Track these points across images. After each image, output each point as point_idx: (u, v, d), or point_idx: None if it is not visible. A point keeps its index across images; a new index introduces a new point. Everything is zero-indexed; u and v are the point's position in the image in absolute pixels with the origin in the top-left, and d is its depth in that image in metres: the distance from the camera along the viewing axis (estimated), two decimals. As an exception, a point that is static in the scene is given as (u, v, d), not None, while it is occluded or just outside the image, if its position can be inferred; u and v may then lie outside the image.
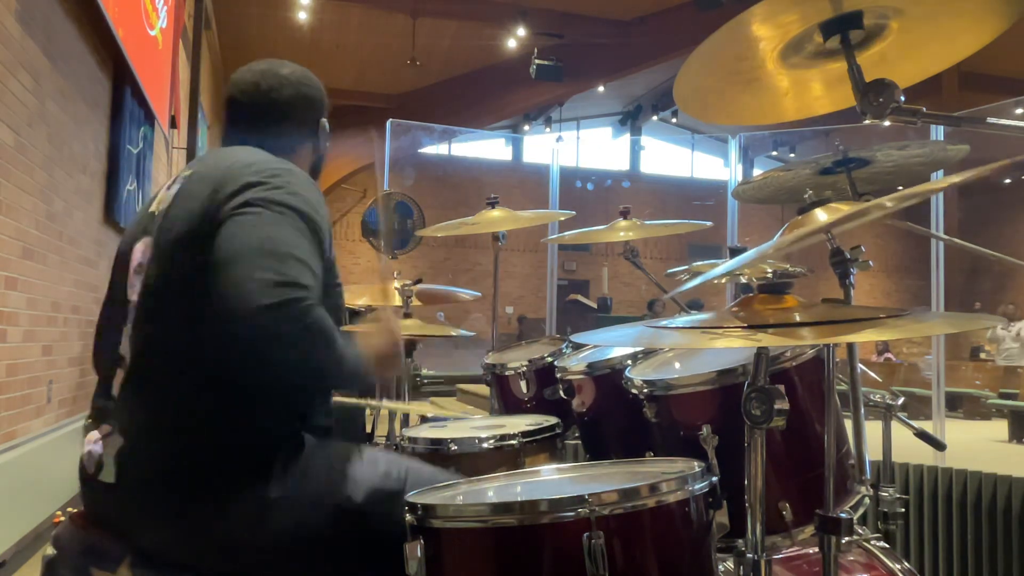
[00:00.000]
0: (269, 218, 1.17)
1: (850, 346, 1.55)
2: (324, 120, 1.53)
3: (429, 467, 1.43)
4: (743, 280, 2.23)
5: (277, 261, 1.11)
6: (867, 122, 1.17)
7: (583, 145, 18.92)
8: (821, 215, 1.41)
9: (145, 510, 1.19)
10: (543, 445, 1.77)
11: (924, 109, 1.14)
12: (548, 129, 17.01)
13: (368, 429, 2.88)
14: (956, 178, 1.18)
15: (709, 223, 2.59)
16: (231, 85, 1.48)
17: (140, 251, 1.30)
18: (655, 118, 16.84)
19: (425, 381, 2.49)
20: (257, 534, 1.19)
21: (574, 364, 1.91)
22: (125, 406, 1.24)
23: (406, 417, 2.57)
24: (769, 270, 2.17)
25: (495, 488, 1.36)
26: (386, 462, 1.37)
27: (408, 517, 1.15)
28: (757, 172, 2.54)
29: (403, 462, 1.40)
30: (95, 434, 1.26)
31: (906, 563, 1.54)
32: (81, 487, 1.30)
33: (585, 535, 1.05)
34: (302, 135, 1.49)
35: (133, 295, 1.29)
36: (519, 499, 1.19)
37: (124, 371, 1.26)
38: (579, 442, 2.02)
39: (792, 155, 15.64)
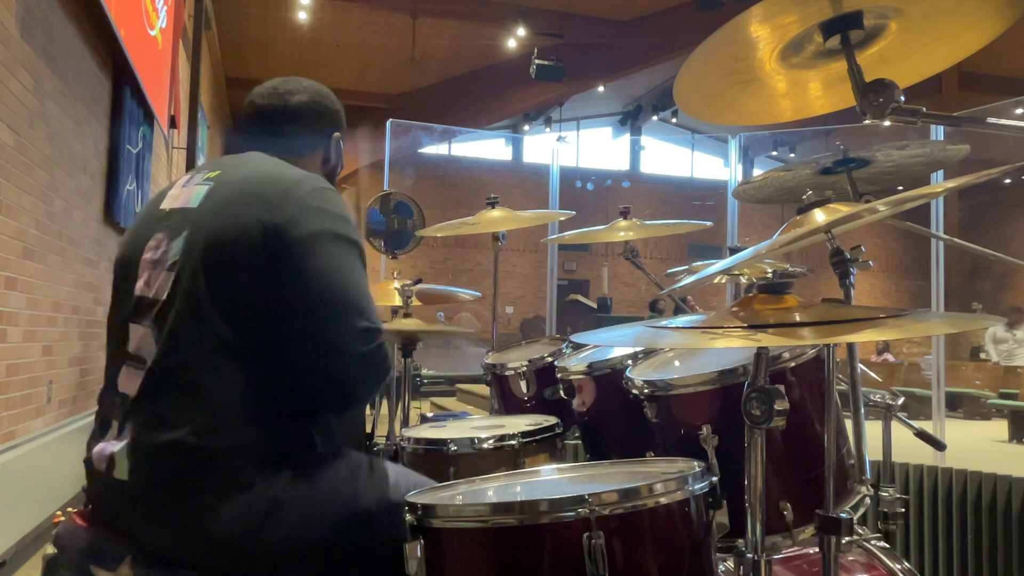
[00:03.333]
0: (345, 256, 1.28)
1: (850, 346, 1.55)
2: (338, 135, 1.57)
3: (435, 482, 1.44)
4: (743, 280, 2.23)
5: (366, 306, 1.26)
6: (867, 122, 1.17)
7: (583, 145, 18.92)
8: (820, 215, 1.41)
9: (156, 508, 1.19)
10: (543, 445, 1.77)
11: (924, 109, 1.14)
12: (548, 129, 17.00)
13: (368, 429, 2.88)
14: (953, 183, 1.18)
15: (709, 223, 2.59)
16: (251, 92, 1.54)
17: (154, 247, 1.30)
18: (655, 118, 16.83)
19: (425, 381, 2.50)
20: (264, 535, 1.19)
21: (574, 364, 1.91)
22: (143, 403, 1.23)
23: (406, 417, 2.57)
24: (769, 270, 2.17)
25: (495, 488, 1.36)
26: (395, 474, 1.39)
27: (408, 517, 1.15)
28: (757, 172, 2.54)
29: (412, 476, 1.42)
30: (108, 434, 1.26)
31: (906, 563, 1.54)
32: (88, 484, 1.29)
33: (585, 535, 1.05)
34: (311, 141, 1.52)
35: (148, 291, 1.28)
36: (519, 499, 1.19)
37: (140, 368, 1.25)
38: (579, 442, 2.02)
39: (792, 155, 15.65)
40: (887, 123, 1.16)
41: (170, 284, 1.26)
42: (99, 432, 1.29)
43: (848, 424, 1.50)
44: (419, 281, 2.68)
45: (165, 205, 1.35)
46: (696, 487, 1.16)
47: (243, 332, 1.22)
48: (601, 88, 14.58)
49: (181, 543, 1.19)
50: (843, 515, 1.17)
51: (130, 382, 1.26)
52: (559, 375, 1.93)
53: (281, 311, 1.23)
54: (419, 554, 1.12)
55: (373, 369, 1.25)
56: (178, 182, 1.40)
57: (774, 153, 16.85)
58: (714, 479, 1.20)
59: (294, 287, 1.23)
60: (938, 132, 4.81)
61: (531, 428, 1.78)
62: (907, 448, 2.25)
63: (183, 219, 1.30)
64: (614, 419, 1.81)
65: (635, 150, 19.02)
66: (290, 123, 1.50)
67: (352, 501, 1.28)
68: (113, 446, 1.23)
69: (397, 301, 2.65)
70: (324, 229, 1.26)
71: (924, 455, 2.54)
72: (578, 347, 2.17)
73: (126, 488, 1.21)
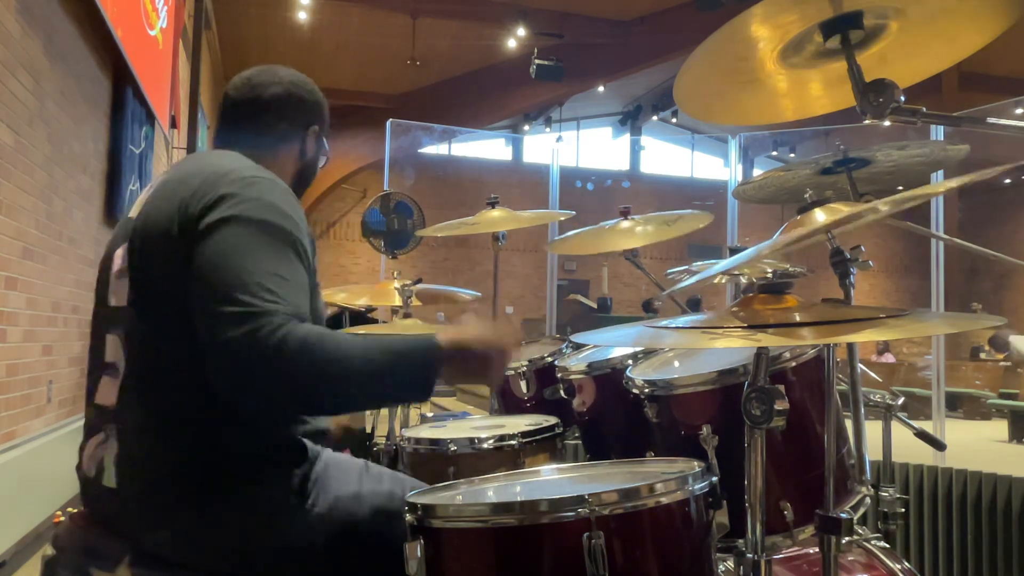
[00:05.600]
0: (242, 237, 1.15)
1: (850, 346, 1.55)
2: (316, 128, 1.49)
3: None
4: (743, 280, 2.23)
5: (243, 287, 1.08)
6: (867, 122, 1.17)
7: (583, 145, 18.91)
8: (820, 215, 1.41)
9: (147, 513, 1.19)
10: (543, 445, 1.77)
11: (924, 109, 1.14)
12: (548, 129, 16.99)
13: (368, 429, 2.88)
14: (954, 182, 1.18)
15: (709, 215, 2.58)
16: (228, 84, 1.47)
17: (120, 257, 1.29)
18: (655, 118, 16.81)
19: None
20: (257, 538, 1.19)
21: (574, 364, 1.91)
22: (123, 411, 1.23)
23: (406, 417, 2.57)
24: (769, 270, 2.17)
25: (495, 488, 1.36)
26: (390, 479, 1.38)
27: (408, 517, 1.15)
28: (757, 172, 2.54)
29: (407, 480, 1.41)
30: (93, 440, 1.26)
31: (906, 563, 1.54)
32: (82, 490, 1.30)
33: (585, 535, 1.04)
34: (285, 135, 1.45)
35: (114, 300, 1.28)
36: (519, 499, 1.19)
37: (116, 377, 1.24)
38: (579, 442, 2.02)
39: (792, 155, 15.63)
40: (887, 123, 1.15)
41: (127, 291, 1.25)
42: (86, 438, 1.29)
43: (848, 424, 1.50)
44: (419, 281, 2.68)
45: (133, 212, 1.33)
46: (696, 487, 1.16)
47: (187, 335, 1.15)
48: (601, 88, 14.58)
49: (176, 546, 1.19)
50: (843, 515, 1.17)
51: (108, 391, 1.25)
52: (559, 375, 1.93)
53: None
54: (419, 554, 1.12)
55: (242, 357, 1.05)
56: (148, 187, 1.39)
57: (774, 153, 16.84)
58: (714, 479, 1.19)
59: (192, 277, 1.14)
60: (938, 132, 4.82)
61: (531, 428, 1.78)
62: (907, 448, 2.25)
63: (130, 226, 1.29)
64: (614, 419, 1.81)
65: (635, 150, 18.99)
66: (263, 116, 1.42)
67: (343, 505, 1.27)
68: (100, 452, 1.24)
69: (397, 301, 2.65)
70: (234, 215, 1.16)
71: (924, 455, 2.54)
72: (578, 347, 2.18)
73: (116, 494, 1.21)
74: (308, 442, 1.28)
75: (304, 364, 1.06)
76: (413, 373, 1.16)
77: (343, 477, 1.30)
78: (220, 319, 1.06)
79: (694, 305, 2.61)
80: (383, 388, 1.15)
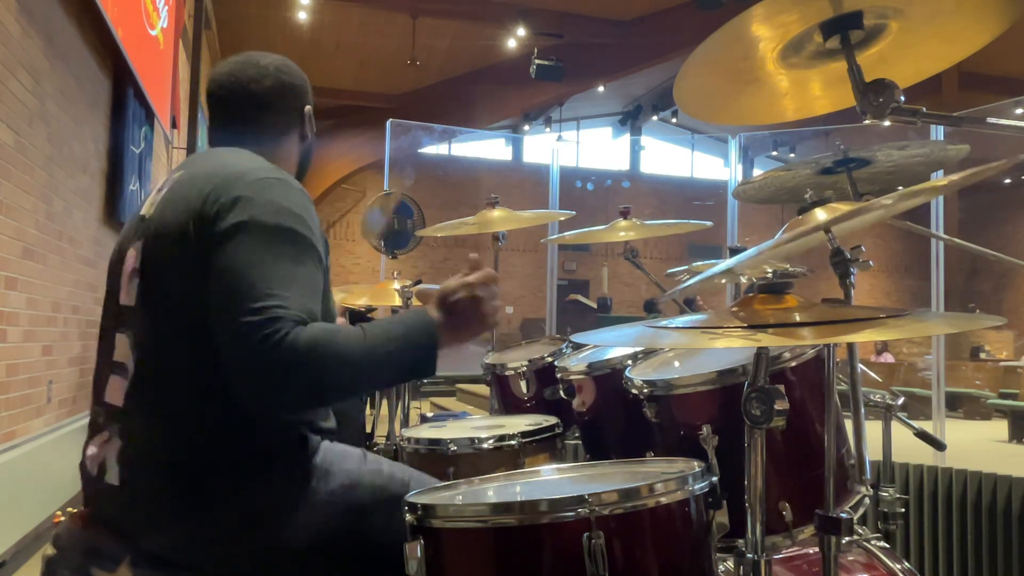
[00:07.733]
0: (256, 243, 1.16)
1: (850, 346, 1.55)
2: (309, 108, 1.49)
3: (431, 477, 1.43)
4: (743, 280, 2.23)
5: (261, 294, 1.10)
6: (867, 122, 1.17)
7: (583, 145, 18.91)
8: (821, 215, 1.41)
9: (150, 511, 1.19)
10: (543, 445, 1.78)
11: (924, 109, 1.14)
12: (548, 129, 16.99)
13: (368, 429, 2.88)
14: (956, 177, 1.18)
15: (709, 223, 2.60)
16: (209, 79, 1.45)
17: (132, 256, 1.29)
18: (655, 118, 16.82)
19: (425, 381, 2.50)
20: (260, 536, 1.19)
21: (574, 364, 1.91)
22: (130, 411, 1.23)
23: (406, 417, 2.58)
24: (769, 270, 2.17)
25: (495, 488, 1.36)
26: (389, 467, 1.38)
27: (408, 517, 1.15)
28: (757, 172, 2.54)
29: (407, 468, 1.41)
30: (97, 439, 1.26)
31: (906, 563, 1.54)
32: (84, 487, 1.30)
33: (585, 535, 1.04)
34: (285, 126, 1.45)
35: (127, 300, 1.28)
36: (519, 499, 1.19)
37: (124, 377, 1.25)
38: (579, 442, 2.02)
39: (792, 155, 15.63)
40: (887, 123, 1.15)
41: (136, 291, 1.25)
42: (91, 436, 1.29)
43: (848, 424, 1.50)
44: (419, 281, 2.69)
45: (144, 212, 1.33)
46: (696, 487, 1.16)
47: (199, 336, 1.16)
48: (601, 88, 14.58)
49: (176, 546, 1.19)
50: (843, 515, 1.17)
51: (116, 391, 1.25)
52: (559, 375, 1.93)
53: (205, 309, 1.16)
54: (419, 554, 1.12)
55: (257, 367, 1.07)
56: (157, 186, 1.39)
57: (774, 153, 16.83)
58: (714, 479, 1.19)
59: (210, 282, 1.15)
60: (938, 132, 4.82)
61: (531, 428, 1.78)
62: (907, 448, 2.26)
63: (144, 225, 1.29)
64: (614, 419, 1.81)
65: (635, 150, 18.99)
66: (262, 112, 1.42)
67: (345, 497, 1.27)
68: (104, 451, 1.24)
69: (397, 301, 2.65)
70: (248, 219, 1.17)
71: (924, 455, 2.55)
72: (578, 347, 2.17)
73: (118, 493, 1.21)
74: (309, 434, 1.29)
75: (314, 366, 1.09)
76: (416, 355, 1.20)
77: (344, 464, 1.30)
78: (235, 330, 1.09)
79: (688, 304, 2.61)
80: (390, 373, 1.22)
